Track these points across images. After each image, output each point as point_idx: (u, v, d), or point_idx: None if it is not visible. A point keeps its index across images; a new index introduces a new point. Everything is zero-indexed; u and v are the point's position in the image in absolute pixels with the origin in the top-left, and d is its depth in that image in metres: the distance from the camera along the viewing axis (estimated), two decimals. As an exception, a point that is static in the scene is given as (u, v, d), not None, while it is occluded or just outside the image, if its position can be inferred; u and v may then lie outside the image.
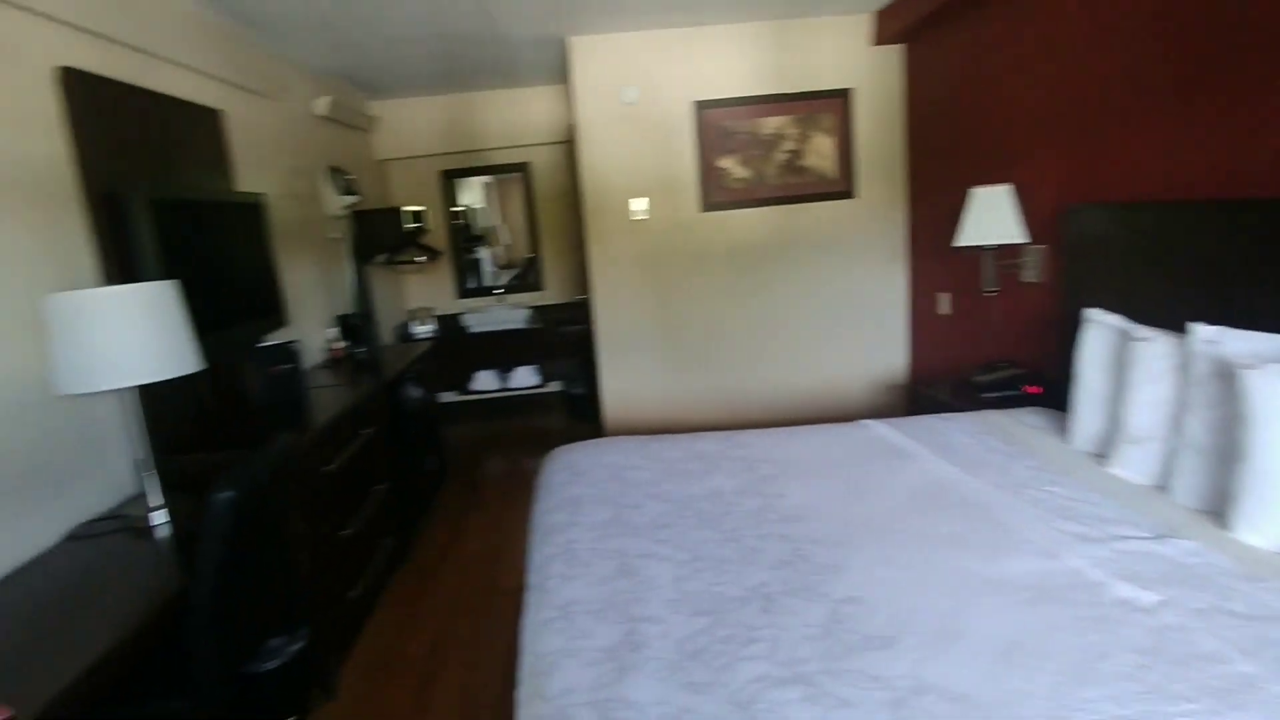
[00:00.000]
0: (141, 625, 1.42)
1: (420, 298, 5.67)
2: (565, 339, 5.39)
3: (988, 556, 1.56)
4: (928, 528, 1.72)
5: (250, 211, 2.80)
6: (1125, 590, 1.40)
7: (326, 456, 2.44)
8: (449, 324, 5.45)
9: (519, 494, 3.98)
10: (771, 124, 4.08)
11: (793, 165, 4.14)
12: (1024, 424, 2.47)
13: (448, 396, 5.55)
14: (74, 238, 2.05)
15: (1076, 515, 1.74)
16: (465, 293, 5.77)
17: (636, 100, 3.96)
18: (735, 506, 1.91)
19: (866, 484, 2.02)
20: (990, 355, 3.31)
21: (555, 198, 5.66)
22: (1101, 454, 2.12)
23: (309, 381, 3.13)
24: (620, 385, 4.28)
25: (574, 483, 2.12)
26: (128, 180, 2.17)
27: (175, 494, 1.96)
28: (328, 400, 2.88)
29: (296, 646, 2.13)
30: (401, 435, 3.35)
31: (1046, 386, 2.83)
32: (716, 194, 4.12)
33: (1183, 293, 2.13)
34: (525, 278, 5.80)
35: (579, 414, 5.36)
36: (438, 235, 5.41)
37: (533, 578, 1.64)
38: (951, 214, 3.62)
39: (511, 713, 1.19)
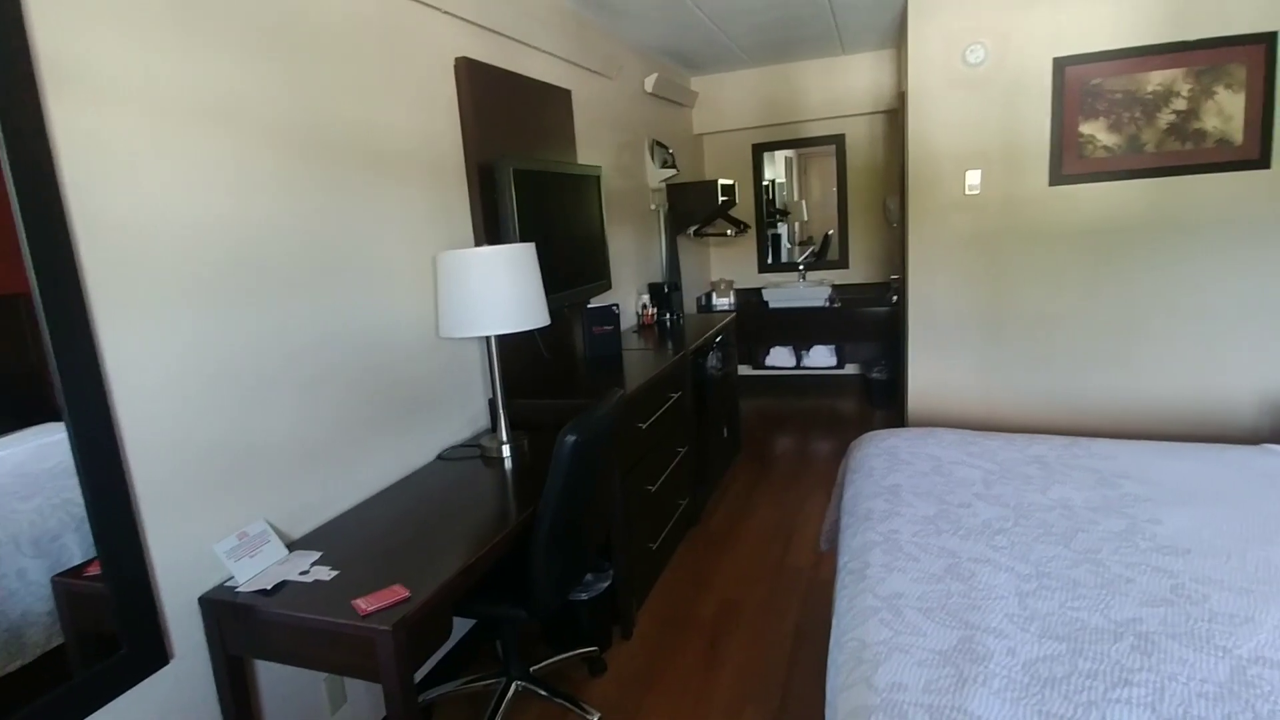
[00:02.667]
0: (499, 540, 1.61)
1: (723, 270, 5.79)
2: (868, 320, 5.13)
3: None
4: (1386, 595, 1.30)
5: (589, 183, 3.04)
6: None
7: (642, 415, 2.58)
8: (748, 297, 5.49)
9: (808, 475, 3.90)
10: (1157, 79, 3.41)
11: (1182, 129, 3.42)
12: None
13: (742, 370, 5.61)
14: (460, 203, 2.39)
15: None
16: (767, 267, 5.76)
17: (983, 61, 3.56)
18: (1091, 524, 1.63)
19: (1274, 524, 1.59)
20: None
21: (867, 172, 5.38)
22: None
23: (625, 343, 3.34)
24: (930, 375, 3.95)
25: (894, 471, 1.98)
26: (498, 153, 2.46)
27: (514, 431, 2.20)
28: (640, 362, 3.05)
29: (605, 584, 2.30)
30: (702, 403, 3.44)
31: None
32: (1072, 164, 3.57)
33: None
34: (822, 255, 5.62)
35: (876, 400, 5.10)
36: (745, 208, 5.45)
37: (849, 561, 1.55)
38: None
39: (790, 686, 1.13)
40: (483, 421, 2.50)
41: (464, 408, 2.41)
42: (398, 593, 1.36)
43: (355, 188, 1.91)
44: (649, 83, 4.15)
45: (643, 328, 3.85)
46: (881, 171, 5.34)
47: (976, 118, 3.63)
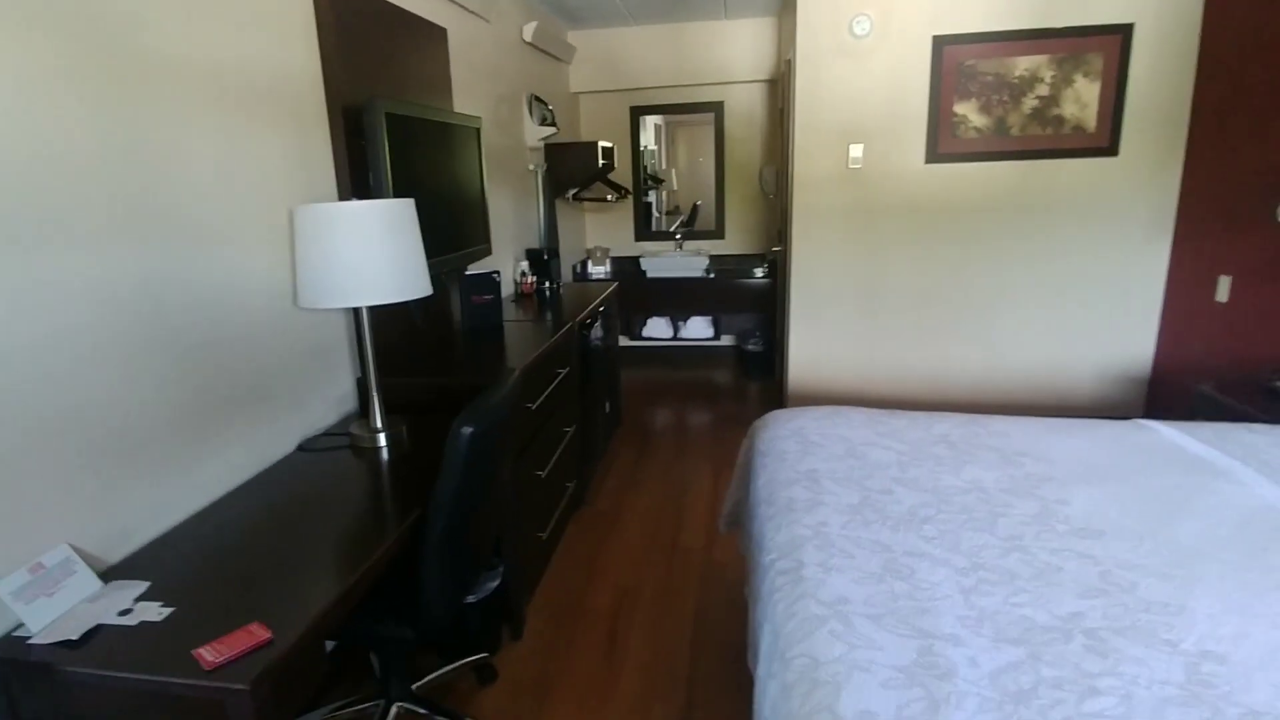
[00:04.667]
0: (383, 552, 1.35)
1: (598, 237, 5.59)
2: (744, 292, 5.13)
3: (1393, 625, 1.18)
4: (1284, 571, 1.35)
5: (469, 135, 2.72)
6: None
7: (531, 394, 2.36)
8: (625, 266, 5.33)
9: (691, 449, 3.83)
10: (1024, 64, 3.54)
11: (1043, 114, 3.58)
12: (1367, 447, 1.96)
13: (620, 341, 5.47)
14: (320, 150, 2.02)
15: None
16: (643, 235, 5.62)
17: (868, 33, 3.55)
18: (1007, 508, 1.61)
19: (1172, 501, 1.65)
20: (1288, 355, 2.73)
21: (745, 142, 5.33)
22: None
23: (505, 314, 3.08)
24: (810, 347, 3.98)
25: (807, 454, 1.89)
26: (367, 93, 2.11)
27: (388, 416, 1.92)
28: (523, 335, 2.81)
29: (494, 583, 2.08)
30: (586, 378, 3.26)
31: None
32: (946, 143, 3.66)
33: None
34: (690, 224, 5.55)
35: (752, 372, 5.13)
36: (622, 174, 5.26)
37: (778, 559, 1.43)
38: (1262, 179, 3.00)
39: (696, 679, 0.99)
40: (351, 404, 2.18)
41: (328, 388, 2.08)
42: (255, 634, 1.08)
43: (185, 121, 1.53)
44: (528, 31, 3.83)
45: (521, 297, 3.59)
46: (759, 142, 5.32)
47: (861, 91, 3.63)
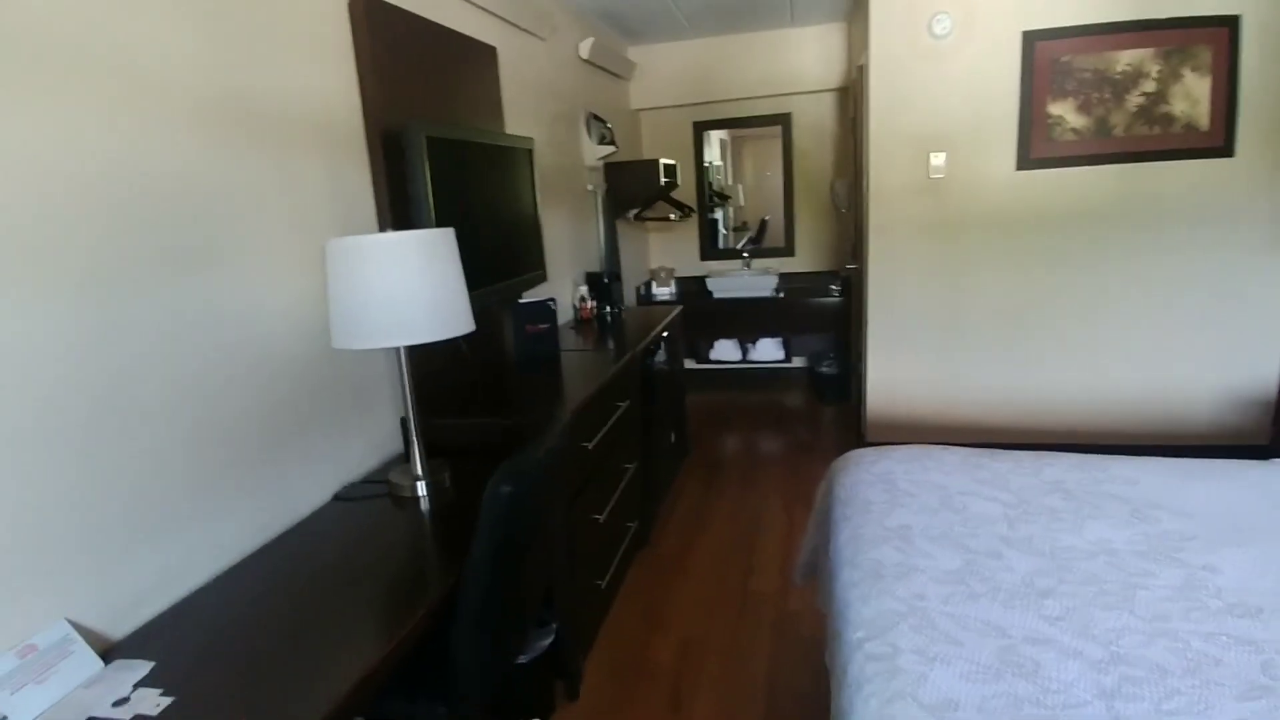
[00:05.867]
0: (415, 624, 1.20)
1: (662, 256, 5.43)
2: (816, 311, 4.87)
3: None
4: None
5: (520, 157, 2.60)
6: None
7: (588, 432, 2.19)
8: (690, 286, 5.15)
9: (761, 480, 3.59)
10: (1126, 58, 3.21)
11: (1151, 112, 3.23)
12: None
13: (686, 364, 5.28)
14: (359, 178, 1.93)
15: None
16: (710, 254, 5.43)
17: (949, 32, 3.28)
18: (1146, 577, 1.34)
19: (1351, 568, 1.34)
20: None
21: (814, 154, 5.09)
22: None
23: (562, 343, 2.93)
24: (889, 371, 3.69)
25: (896, 505, 1.66)
26: (407, 117, 2.00)
27: (431, 460, 1.78)
28: (582, 365, 2.66)
29: (547, 640, 1.91)
30: (649, 407, 3.08)
31: None
32: (1041, 147, 3.34)
33: None
34: (758, 240, 5.30)
35: (826, 395, 4.85)
36: (685, 191, 5.09)
37: (866, 639, 1.21)
38: None
39: None
40: (393, 445, 2.06)
41: (369, 429, 1.96)
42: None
43: (211, 154, 1.44)
44: (584, 48, 3.72)
45: (580, 323, 3.45)
46: (828, 154, 5.07)
47: (942, 95, 3.36)
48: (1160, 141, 3.26)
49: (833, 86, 4.76)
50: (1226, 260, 3.28)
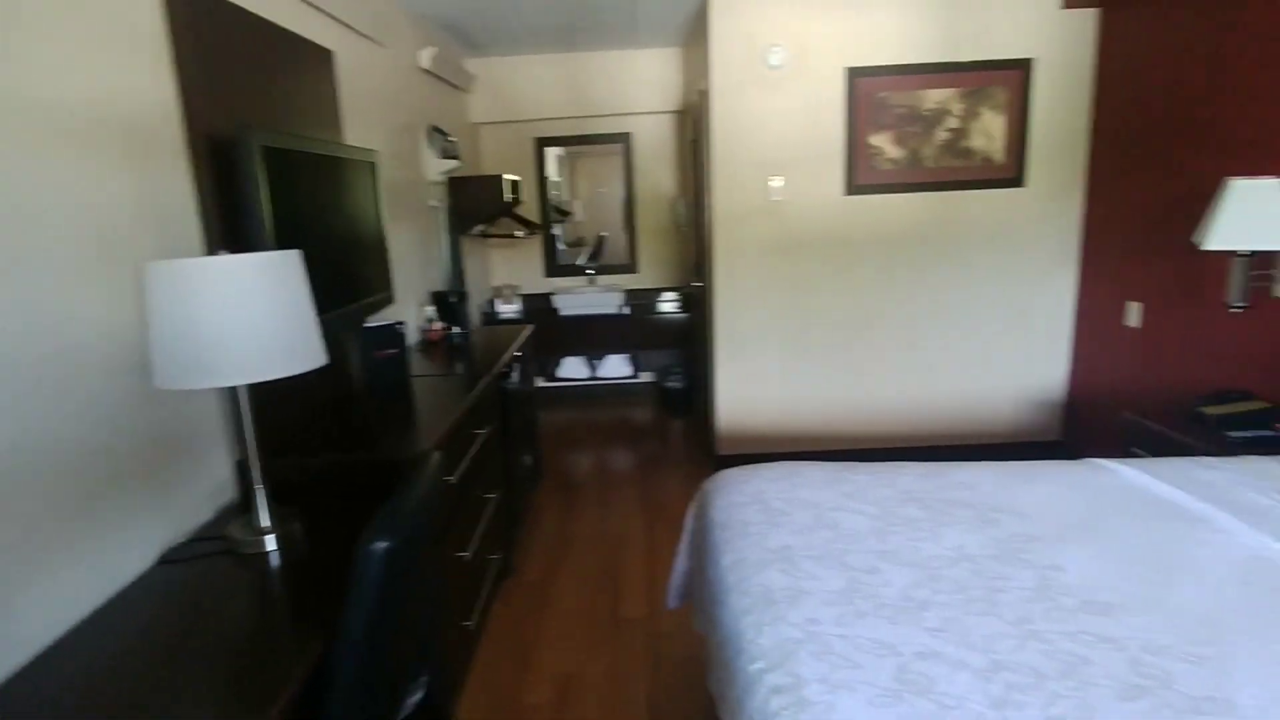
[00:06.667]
0: (276, 713, 1.03)
1: (506, 274, 5.30)
2: (661, 327, 4.96)
3: None
4: (1310, 640, 1.24)
5: (363, 170, 2.41)
6: None
7: (449, 465, 2.05)
8: (536, 304, 5.07)
9: (619, 499, 3.58)
10: (934, 97, 3.55)
11: (955, 146, 3.60)
12: (1315, 478, 1.94)
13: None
14: (178, 191, 1.68)
15: None
16: (554, 271, 5.37)
17: (783, 64, 3.47)
18: (1004, 581, 1.45)
19: (1163, 557, 1.54)
20: (1207, 382, 2.78)
21: (654, 173, 5.20)
22: None
23: (412, 368, 2.75)
24: (737, 384, 3.82)
25: (774, 526, 1.68)
26: (238, 123, 1.78)
27: (278, 508, 1.58)
28: (435, 392, 2.50)
29: (419, 696, 1.76)
30: (505, 432, 2.96)
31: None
32: (865, 175, 3.62)
33: None
34: (596, 257, 5.33)
35: (674, 409, 4.94)
36: (529, 207, 5.01)
37: (768, 671, 1.20)
38: (1157, 208, 3.08)
39: None
40: (229, 493, 1.81)
41: (199, 476, 1.71)
42: None
43: (-11, 161, 1.18)
44: (424, 57, 3.55)
45: (429, 346, 3.26)
46: (669, 173, 5.20)
47: (779, 122, 3.55)
48: (964, 173, 3.64)
49: (672, 109, 4.89)
50: (1021, 278, 3.73)
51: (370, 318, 2.51)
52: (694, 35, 4.16)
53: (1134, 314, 3.28)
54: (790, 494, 1.85)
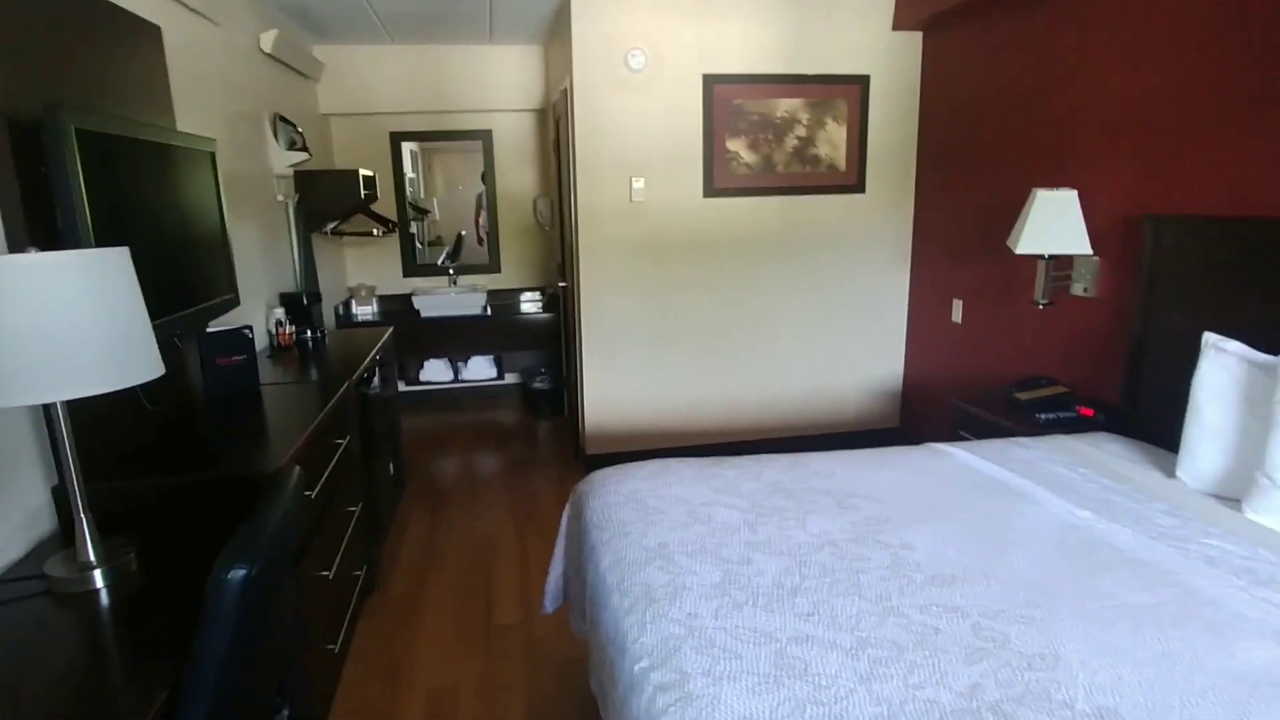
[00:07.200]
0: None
1: (361, 274, 5.04)
2: (527, 328, 4.91)
3: (1215, 641, 1.28)
4: (1114, 596, 1.43)
5: (200, 160, 2.21)
6: None
7: (309, 479, 1.93)
8: (395, 305, 4.87)
9: (488, 504, 3.52)
10: (784, 106, 3.75)
11: (803, 154, 3.82)
12: (1110, 454, 2.24)
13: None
14: (-29, 178, 1.46)
15: (1265, 580, 1.49)
16: (413, 270, 5.17)
17: (644, 67, 3.53)
18: (863, 562, 1.56)
19: (994, 530, 1.71)
20: (1019, 371, 3.12)
21: (515, 172, 5.13)
22: (1226, 496, 1.91)
23: (261, 375, 2.55)
24: (605, 384, 3.85)
25: (650, 524, 1.71)
26: (44, 101, 1.57)
27: (107, 539, 1.42)
28: (288, 401, 2.35)
29: (276, 732, 1.65)
30: (368, 440, 2.82)
31: (1099, 409, 2.63)
32: (722, 178, 3.75)
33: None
34: (456, 256, 5.20)
35: (540, 410, 4.90)
36: (385, 204, 4.79)
37: (653, 670, 1.22)
38: (974, 215, 3.42)
39: None
40: (46, 524, 1.61)
41: (6, 508, 1.50)
42: None
43: None
44: (266, 41, 3.30)
45: (279, 351, 3.04)
46: (531, 172, 5.15)
47: (641, 124, 3.60)
48: (812, 179, 3.87)
49: (533, 107, 4.84)
50: (863, 278, 4.01)
51: (213, 322, 2.31)
52: (555, 34, 4.14)
53: (958, 311, 3.62)
54: (664, 491, 1.89)
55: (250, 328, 2.38)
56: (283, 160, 3.35)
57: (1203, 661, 1.23)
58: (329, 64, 4.42)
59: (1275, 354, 1.88)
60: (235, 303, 2.38)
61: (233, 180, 2.76)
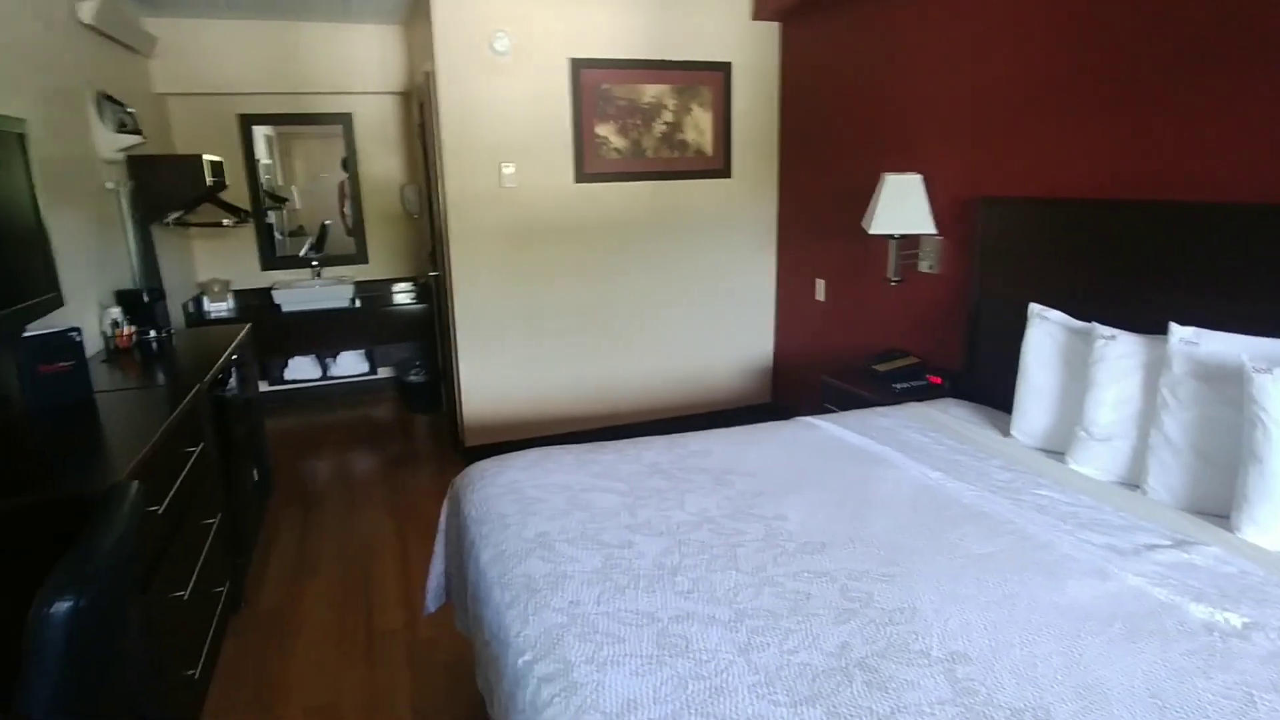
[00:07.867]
0: None
1: (213, 268, 4.66)
2: (399, 320, 4.73)
3: (1047, 581, 1.42)
4: (961, 548, 1.56)
5: (9, 143, 1.96)
6: (1201, 612, 1.32)
7: (155, 495, 1.77)
8: (253, 300, 4.55)
9: (363, 506, 3.39)
10: (651, 92, 3.78)
11: (671, 139, 3.88)
12: (955, 417, 2.43)
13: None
14: None
15: (1087, 523, 1.68)
16: (272, 263, 4.84)
17: (508, 51, 3.45)
18: (740, 536, 1.62)
19: (857, 495, 1.83)
20: (876, 344, 3.32)
21: (380, 158, 4.90)
22: (1053, 450, 2.13)
23: (95, 383, 2.32)
24: (480, 373, 3.78)
25: (530, 514, 1.70)
26: None
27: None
28: (128, 409, 2.15)
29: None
30: (226, 446, 2.63)
31: (945, 377, 2.86)
32: (593, 163, 3.75)
33: (1106, 290, 2.19)
34: (320, 247, 4.93)
35: (417, 405, 4.75)
36: (237, 192, 4.45)
37: (536, 662, 1.22)
38: (833, 198, 3.60)
39: None
40: None
41: None
42: None
43: None
44: (85, 11, 2.96)
45: (117, 354, 2.77)
46: (397, 158, 4.93)
47: (508, 109, 3.54)
48: (680, 163, 3.94)
49: (395, 90, 4.64)
50: (732, 260, 4.13)
51: (31, 325, 2.07)
52: (415, 14, 3.97)
53: (821, 289, 3.80)
54: (543, 480, 1.89)
55: (78, 329, 2.15)
56: (110, 144, 3.03)
57: (1038, 601, 1.36)
58: (163, 39, 4.03)
59: (1088, 320, 2.10)
60: (59, 302, 2.15)
61: (50, 166, 2.47)
